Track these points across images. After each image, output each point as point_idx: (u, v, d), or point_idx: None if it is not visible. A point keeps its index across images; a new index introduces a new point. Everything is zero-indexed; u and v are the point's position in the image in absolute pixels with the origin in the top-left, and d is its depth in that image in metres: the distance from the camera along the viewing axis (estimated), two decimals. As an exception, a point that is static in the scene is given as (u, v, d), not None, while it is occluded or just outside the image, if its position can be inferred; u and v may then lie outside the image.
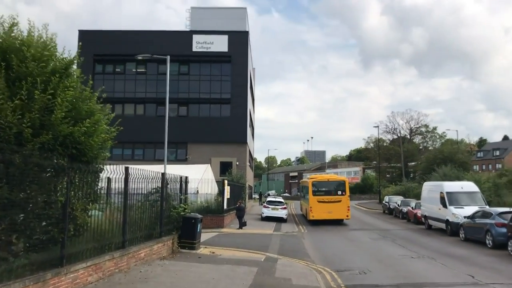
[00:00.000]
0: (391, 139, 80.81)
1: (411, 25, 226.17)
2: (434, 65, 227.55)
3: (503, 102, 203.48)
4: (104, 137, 9.72)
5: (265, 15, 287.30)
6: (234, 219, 29.14)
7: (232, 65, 42.30)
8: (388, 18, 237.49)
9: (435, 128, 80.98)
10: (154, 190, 14.79)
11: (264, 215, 32.39)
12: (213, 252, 16.28)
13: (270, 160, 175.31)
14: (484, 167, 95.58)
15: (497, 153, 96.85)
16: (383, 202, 44.84)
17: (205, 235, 21.61)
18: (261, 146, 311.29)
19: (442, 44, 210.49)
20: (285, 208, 32.69)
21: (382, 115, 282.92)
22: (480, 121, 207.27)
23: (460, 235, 21.90)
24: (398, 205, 37.73)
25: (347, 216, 31.38)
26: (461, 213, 23.43)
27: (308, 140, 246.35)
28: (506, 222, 18.34)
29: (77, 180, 9.12)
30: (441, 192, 25.35)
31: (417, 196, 43.54)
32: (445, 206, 24.62)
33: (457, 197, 24.75)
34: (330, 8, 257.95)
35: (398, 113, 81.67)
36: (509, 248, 17.09)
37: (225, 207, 26.66)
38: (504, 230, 18.22)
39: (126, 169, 12.00)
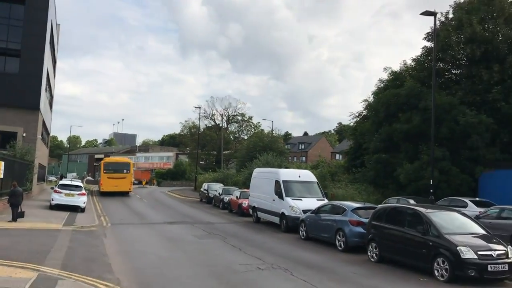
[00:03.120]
0: (208, 125, 77.96)
1: (229, 20, 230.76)
2: (246, 62, 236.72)
3: (301, 103, 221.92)
4: None
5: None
6: (8, 208, 21.02)
7: (26, 7, 32.64)
8: (208, 8, 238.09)
9: (251, 118, 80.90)
10: None
11: (54, 202, 24.72)
12: None
13: (74, 140, 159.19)
14: (290, 159, 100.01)
15: (302, 146, 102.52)
16: (201, 189, 40.57)
17: None
18: (64, 125, 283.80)
19: (256, 42, 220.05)
20: (83, 194, 25.49)
21: (197, 103, 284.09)
22: (282, 118, 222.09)
23: (300, 232, 18.27)
24: (219, 193, 33.66)
25: (130, 189, 41.88)
26: (300, 205, 20.05)
27: (118, 122, 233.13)
28: (362, 220, 15.16)
29: None
30: (277, 181, 21.67)
31: (236, 184, 40.63)
32: (281, 197, 20.98)
33: (295, 187, 21.33)
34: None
35: (217, 99, 79.35)
36: (369, 253, 13.78)
37: (-8, 190, 18.68)
38: (359, 229, 15.00)
39: None
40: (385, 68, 33.06)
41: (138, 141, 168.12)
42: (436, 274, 11.06)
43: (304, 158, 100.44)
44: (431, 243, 11.33)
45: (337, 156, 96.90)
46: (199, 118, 64.59)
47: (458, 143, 25.56)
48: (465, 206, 20.60)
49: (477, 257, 10.51)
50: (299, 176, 22.09)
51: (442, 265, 10.93)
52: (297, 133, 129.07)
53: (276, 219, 21.23)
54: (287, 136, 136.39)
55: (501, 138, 25.33)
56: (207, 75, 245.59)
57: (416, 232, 11.92)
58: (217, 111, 75.22)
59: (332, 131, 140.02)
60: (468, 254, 10.54)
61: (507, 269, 10.57)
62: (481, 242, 11.11)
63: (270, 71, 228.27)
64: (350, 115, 39.40)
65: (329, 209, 17.09)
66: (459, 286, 10.58)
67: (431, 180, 21.26)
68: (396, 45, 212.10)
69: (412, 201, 22.10)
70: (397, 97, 28.70)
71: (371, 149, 30.71)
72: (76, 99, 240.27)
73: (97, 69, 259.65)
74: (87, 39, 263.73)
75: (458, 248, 10.67)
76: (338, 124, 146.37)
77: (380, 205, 15.80)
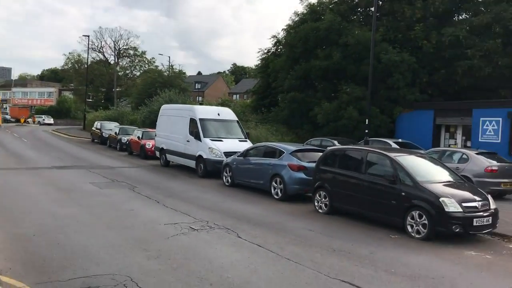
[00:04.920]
0: (96, 58, 70.44)
1: None
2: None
3: (193, 43, 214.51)
4: None
5: None
6: None
7: None
8: None
9: (144, 53, 74.60)
10: None
11: None
12: None
13: None
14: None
15: (199, 86, 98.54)
16: (93, 128, 35.90)
17: None
18: None
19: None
20: None
21: (81, 37, 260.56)
22: (174, 57, 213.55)
23: (224, 178, 15.70)
24: (115, 133, 29.63)
25: None
26: (220, 147, 17.39)
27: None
28: (303, 164, 12.96)
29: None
30: (192, 119, 18.59)
31: (133, 123, 36.71)
32: (197, 137, 18.03)
33: (213, 127, 18.45)
34: None
35: (107, 30, 71.88)
36: (316, 203, 11.67)
37: None
38: (300, 175, 12.81)
39: None
40: (301, 0, 30.57)
41: (14, 75, 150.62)
42: (410, 230, 9.20)
43: (200, 98, 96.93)
44: (403, 193, 9.40)
45: (234, 96, 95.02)
46: (88, 50, 57.48)
47: (379, 82, 24.35)
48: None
49: (462, 210, 8.79)
50: (218, 114, 19.17)
51: (418, 219, 9.07)
52: (190, 73, 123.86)
53: (191, 163, 18.36)
54: (181, 74, 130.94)
55: (421, 78, 24.57)
56: (91, 7, 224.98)
57: (382, 180, 9.92)
58: (106, 43, 68.07)
59: (227, 72, 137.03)
60: (452, 206, 8.76)
61: (490, 222, 9.03)
62: (463, 192, 9.42)
63: (161, 6, 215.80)
64: (259, 51, 36.92)
65: (262, 152, 14.61)
66: (438, 243, 8.84)
67: (367, 120, 19.81)
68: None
69: (336, 142, 20.56)
70: (316, 31, 26.56)
71: (285, 88, 28.64)
72: None
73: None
74: None
75: (441, 199, 8.84)
76: (232, 65, 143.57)
77: (330, 147, 13.67)
